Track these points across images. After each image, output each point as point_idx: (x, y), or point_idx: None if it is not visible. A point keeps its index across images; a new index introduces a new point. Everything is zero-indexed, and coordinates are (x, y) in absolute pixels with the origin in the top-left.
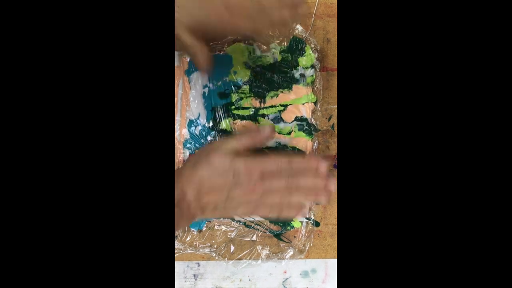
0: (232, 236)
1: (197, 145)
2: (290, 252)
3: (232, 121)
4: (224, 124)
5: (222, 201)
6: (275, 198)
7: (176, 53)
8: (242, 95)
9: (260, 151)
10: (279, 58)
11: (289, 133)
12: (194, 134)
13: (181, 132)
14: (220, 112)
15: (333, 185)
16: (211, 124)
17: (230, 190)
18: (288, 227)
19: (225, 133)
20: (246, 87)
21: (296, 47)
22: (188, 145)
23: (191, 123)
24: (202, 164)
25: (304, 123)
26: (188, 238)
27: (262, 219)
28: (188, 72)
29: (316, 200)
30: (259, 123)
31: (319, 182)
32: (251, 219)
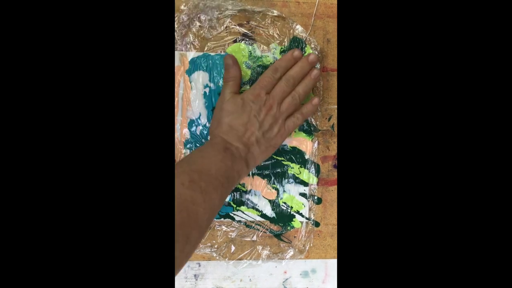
0: (232, 236)
1: (198, 145)
2: (290, 252)
3: None
4: None
5: (258, 129)
6: (290, 102)
7: (176, 53)
8: None
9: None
10: (279, 58)
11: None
12: (195, 134)
13: (182, 132)
14: None
15: (312, 57)
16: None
17: (257, 116)
18: (289, 227)
19: None
20: (246, 87)
21: (296, 47)
22: (189, 145)
23: (192, 123)
24: (223, 115)
25: (304, 123)
26: None
27: (262, 220)
28: (189, 72)
29: (314, 78)
30: None
31: (302, 65)
32: (252, 220)
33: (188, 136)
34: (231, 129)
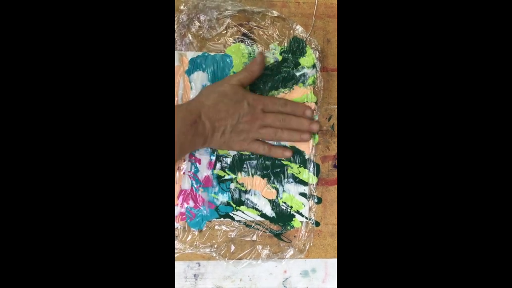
0: (232, 236)
1: None
2: (290, 251)
3: None
4: None
5: (232, 125)
6: (270, 133)
7: (176, 53)
8: None
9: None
10: (279, 58)
11: None
12: None
13: None
14: None
15: (315, 126)
16: None
17: (241, 116)
18: (288, 227)
19: None
20: (246, 87)
21: (296, 47)
22: None
23: None
24: (217, 91)
25: None
26: (188, 238)
27: (262, 219)
28: (188, 72)
29: (301, 139)
30: None
31: (304, 122)
32: (251, 219)
33: None
34: (214, 108)
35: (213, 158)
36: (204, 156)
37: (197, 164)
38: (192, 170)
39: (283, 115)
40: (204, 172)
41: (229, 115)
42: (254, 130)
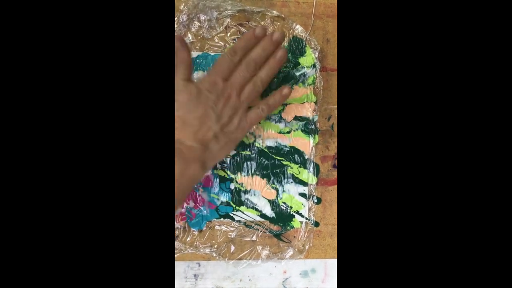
0: (232, 236)
1: None
2: (290, 252)
3: None
4: None
5: (215, 122)
6: (251, 90)
7: None
8: None
9: None
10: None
11: (288, 132)
12: None
13: None
14: None
15: (276, 34)
16: None
17: (214, 107)
18: (288, 227)
19: None
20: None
21: (296, 47)
22: None
23: None
24: (175, 108)
25: (304, 122)
26: (188, 238)
27: (262, 220)
28: None
29: (278, 58)
30: (258, 123)
31: (265, 43)
32: (251, 219)
33: None
34: (184, 125)
35: None
36: None
37: None
38: None
39: (243, 62)
40: None
41: (204, 118)
42: (237, 104)
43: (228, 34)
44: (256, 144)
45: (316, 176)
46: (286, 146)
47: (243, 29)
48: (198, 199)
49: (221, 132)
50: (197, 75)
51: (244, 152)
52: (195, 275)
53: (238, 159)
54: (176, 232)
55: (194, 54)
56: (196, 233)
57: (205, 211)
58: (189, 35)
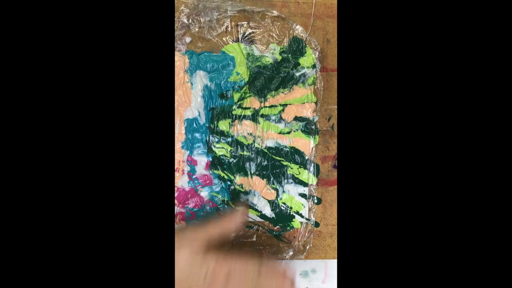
0: (232, 237)
1: (199, 145)
2: (290, 252)
3: (230, 122)
4: (223, 125)
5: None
6: None
7: (176, 53)
8: (242, 95)
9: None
10: (279, 58)
11: (288, 133)
12: (193, 135)
13: (180, 132)
14: (219, 113)
15: None
16: (210, 125)
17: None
18: (288, 228)
19: (223, 134)
20: (246, 88)
21: (296, 47)
22: (187, 145)
23: (190, 123)
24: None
25: (304, 122)
26: None
27: (262, 220)
28: (189, 72)
29: None
30: (258, 123)
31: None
32: (251, 219)
33: (186, 137)
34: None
35: (210, 158)
36: (201, 157)
37: (194, 165)
38: (191, 171)
39: (257, 280)
40: (203, 172)
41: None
42: None
43: (228, 34)
44: (256, 145)
45: (316, 177)
46: (286, 147)
47: (242, 30)
48: (198, 198)
49: None
50: (197, 75)
51: (243, 153)
52: None
53: (238, 160)
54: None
55: (195, 54)
56: None
57: (205, 211)
58: (189, 35)
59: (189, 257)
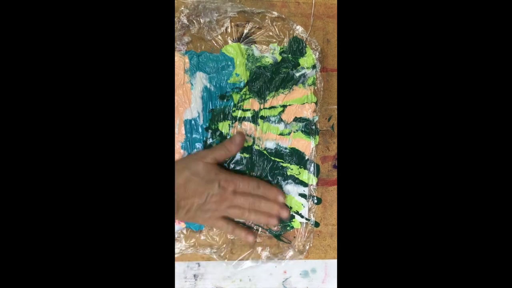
0: (232, 237)
1: (198, 146)
2: (290, 252)
3: (230, 123)
4: (222, 126)
5: (199, 204)
6: (237, 213)
7: (176, 53)
8: (242, 96)
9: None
10: (279, 58)
11: (289, 134)
12: (193, 135)
13: (180, 132)
14: (219, 114)
15: (285, 213)
16: (209, 125)
17: (210, 196)
18: (288, 228)
19: (222, 135)
20: (245, 89)
21: (296, 47)
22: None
23: (190, 124)
24: (189, 170)
25: (304, 123)
26: (188, 239)
27: None
28: (189, 72)
29: (268, 223)
30: (258, 125)
31: (274, 207)
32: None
33: (186, 137)
34: (182, 187)
35: None
36: None
37: None
38: None
39: (253, 197)
40: None
41: (197, 195)
42: (221, 210)
43: (228, 35)
44: (255, 147)
45: (316, 177)
46: (286, 148)
47: (242, 30)
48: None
49: (193, 212)
50: (198, 75)
51: (243, 154)
52: (194, 275)
53: (238, 160)
54: (176, 234)
55: (195, 54)
56: (196, 234)
57: None
58: (189, 36)
59: (205, 170)
